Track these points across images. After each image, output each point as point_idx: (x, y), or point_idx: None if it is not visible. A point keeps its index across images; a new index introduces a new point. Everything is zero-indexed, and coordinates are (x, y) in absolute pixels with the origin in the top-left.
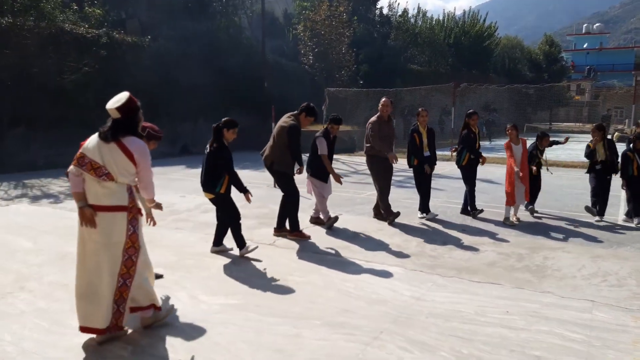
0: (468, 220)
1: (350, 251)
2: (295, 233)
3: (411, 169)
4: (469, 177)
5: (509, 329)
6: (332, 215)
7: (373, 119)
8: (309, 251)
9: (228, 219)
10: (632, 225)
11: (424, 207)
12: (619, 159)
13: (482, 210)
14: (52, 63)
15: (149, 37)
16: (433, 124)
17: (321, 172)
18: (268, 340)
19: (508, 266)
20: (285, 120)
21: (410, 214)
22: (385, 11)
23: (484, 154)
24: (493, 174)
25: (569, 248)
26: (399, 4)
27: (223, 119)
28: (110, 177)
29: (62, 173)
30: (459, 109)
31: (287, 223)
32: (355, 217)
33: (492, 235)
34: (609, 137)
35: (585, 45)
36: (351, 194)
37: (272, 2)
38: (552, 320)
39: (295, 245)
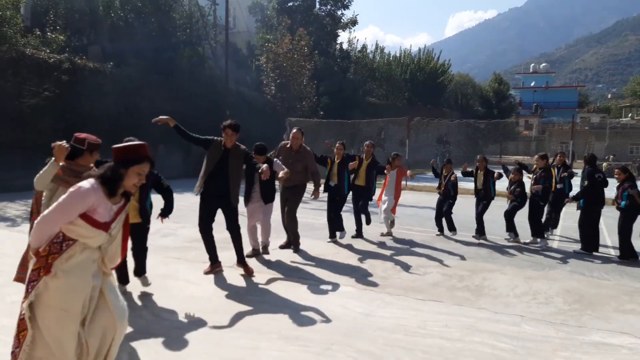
0: (417, 246)
1: (308, 272)
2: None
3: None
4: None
5: (447, 340)
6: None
7: (282, 143)
8: (268, 273)
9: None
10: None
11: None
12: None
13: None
14: (11, 87)
15: (111, 63)
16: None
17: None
18: (228, 352)
19: (450, 286)
20: None
21: (361, 239)
22: (345, 46)
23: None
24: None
25: (506, 270)
26: (357, 40)
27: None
28: None
29: (18, 197)
30: (414, 141)
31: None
32: (313, 241)
33: (438, 259)
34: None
35: (532, 84)
36: (310, 219)
37: (235, 33)
38: (485, 332)
39: (254, 268)
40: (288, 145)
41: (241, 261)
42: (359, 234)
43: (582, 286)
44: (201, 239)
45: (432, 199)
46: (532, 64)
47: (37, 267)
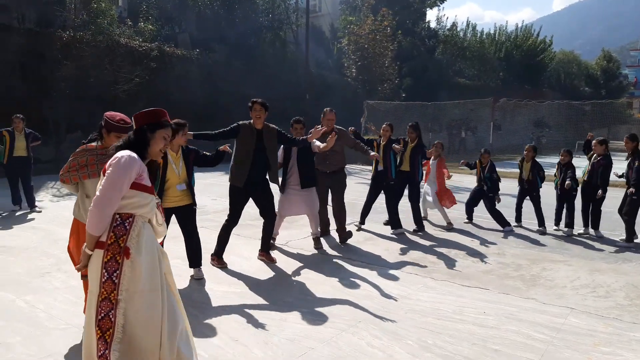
0: (481, 233)
1: (356, 254)
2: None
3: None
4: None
5: (480, 326)
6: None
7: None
8: (316, 253)
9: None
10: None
11: (391, 223)
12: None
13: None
14: (107, 74)
15: (197, 50)
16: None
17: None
18: (256, 322)
19: (503, 274)
20: None
21: (425, 223)
22: (432, 25)
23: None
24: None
25: (572, 261)
26: (447, 17)
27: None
28: None
29: None
30: (509, 124)
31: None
32: (368, 224)
33: (499, 247)
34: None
35: None
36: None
37: (320, 16)
38: (524, 322)
39: (304, 247)
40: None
41: (266, 250)
42: (420, 228)
43: None
44: (226, 227)
45: (512, 185)
46: None
47: (110, 256)
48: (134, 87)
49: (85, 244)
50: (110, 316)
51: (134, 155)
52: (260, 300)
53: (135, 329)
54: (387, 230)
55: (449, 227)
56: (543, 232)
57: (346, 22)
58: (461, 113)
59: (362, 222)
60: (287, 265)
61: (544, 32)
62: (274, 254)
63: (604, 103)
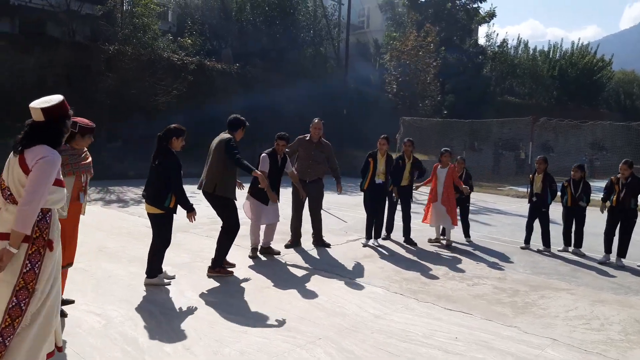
0: (490, 256)
1: (345, 271)
2: (217, 269)
3: (362, 192)
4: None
5: (444, 352)
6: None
7: (301, 136)
8: (305, 267)
9: (161, 241)
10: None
11: (375, 233)
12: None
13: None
14: (148, 86)
15: (237, 64)
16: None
17: (262, 194)
18: (216, 332)
19: (494, 300)
20: (222, 135)
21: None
22: (482, 41)
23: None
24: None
25: (577, 290)
26: (497, 34)
27: (172, 126)
28: (13, 200)
29: (138, 183)
30: (562, 145)
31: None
32: (371, 239)
33: (504, 271)
34: None
35: None
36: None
37: (366, 32)
38: (495, 351)
39: (294, 260)
40: (308, 138)
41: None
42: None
43: None
44: (234, 236)
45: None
46: None
47: (34, 249)
48: (173, 98)
49: (8, 243)
50: (22, 305)
51: (57, 152)
52: (231, 311)
53: (50, 310)
54: (392, 248)
55: (435, 241)
56: (548, 253)
57: (389, 38)
58: (510, 132)
59: (370, 236)
60: (273, 277)
61: (609, 50)
62: (275, 264)
63: None
